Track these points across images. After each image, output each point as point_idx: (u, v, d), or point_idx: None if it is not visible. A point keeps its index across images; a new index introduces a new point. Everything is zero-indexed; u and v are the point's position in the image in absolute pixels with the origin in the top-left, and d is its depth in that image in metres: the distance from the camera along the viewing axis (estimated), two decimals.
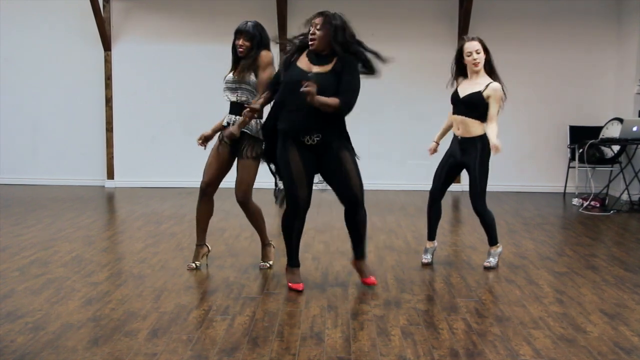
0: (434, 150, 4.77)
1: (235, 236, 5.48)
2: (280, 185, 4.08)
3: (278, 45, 4.40)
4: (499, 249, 4.61)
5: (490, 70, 4.42)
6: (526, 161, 8.60)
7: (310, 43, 3.79)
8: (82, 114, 8.67)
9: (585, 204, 7.24)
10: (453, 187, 7.94)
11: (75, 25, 8.53)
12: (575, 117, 8.50)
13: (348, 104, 3.72)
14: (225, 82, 4.31)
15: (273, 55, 4.29)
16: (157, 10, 8.52)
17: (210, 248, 4.58)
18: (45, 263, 4.54)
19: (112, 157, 8.65)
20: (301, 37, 3.91)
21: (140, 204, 7.24)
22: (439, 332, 3.27)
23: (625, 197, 7.61)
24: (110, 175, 8.66)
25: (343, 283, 4.14)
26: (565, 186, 8.44)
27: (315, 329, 3.31)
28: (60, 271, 4.33)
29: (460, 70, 4.51)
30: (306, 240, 4.90)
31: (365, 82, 3.85)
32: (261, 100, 4.03)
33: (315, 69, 3.79)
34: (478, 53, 4.35)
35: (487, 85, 4.35)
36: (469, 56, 4.37)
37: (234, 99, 4.28)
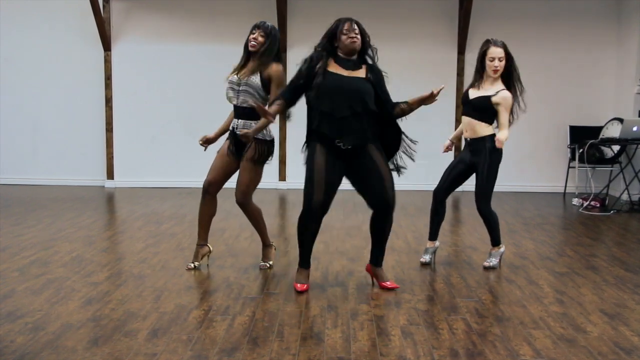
0: (447, 148, 4.76)
1: (236, 236, 5.48)
2: None
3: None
4: (501, 249, 4.60)
5: (508, 78, 4.39)
6: (526, 161, 8.60)
7: (353, 42, 3.78)
8: (82, 114, 8.67)
9: (586, 204, 7.24)
10: None
11: (75, 25, 8.53)
12: (575, 117, 8.50)
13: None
14: (229, 83, 4.30)
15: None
16: (157, 10, 8.52)
17: (211, 249, 4.56)
18: (46, 263, 4.54)
19: (112, 157, 8.65)
20: (324, 42, 3.87)
21: (140, 204, 7.24)
22: (439, 332, 3.27)
23: (625, 197, 7.61)
24: (110, 175, 8.66)
25: (343, 283, 4.14)
26: (566, 186, 8.44)
27: (315, 329, 3.31)
28: (60, 271, 4.33)
29: (480, 72, 4.47)
30: None
31: None
32: (275, 108, 3.86)
33: (351, 74, 3.80)
34: (500, 61, 4.34)
35: (497, 92, 4.35)
36: (491, 61, 4.35)
37: (236, 102, 4.27)
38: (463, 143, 4.66)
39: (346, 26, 3.81)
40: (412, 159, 3.96)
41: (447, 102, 8.23)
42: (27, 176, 8.70)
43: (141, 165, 8.66)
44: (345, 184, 3.95)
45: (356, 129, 3.76)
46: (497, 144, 4.30)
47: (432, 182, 4.95)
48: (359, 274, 4.34)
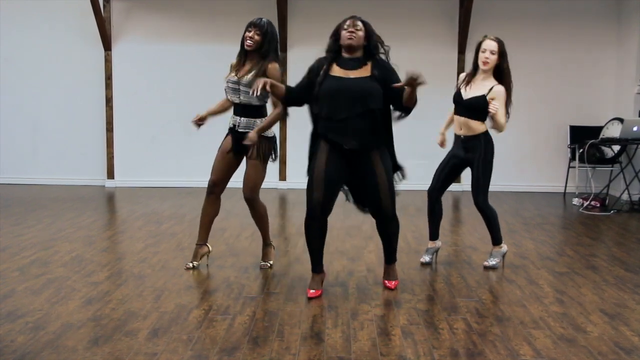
0: (443, 142, 4.76)
1: (236, 236, 5.47)
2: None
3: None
4: (502, 248, 4.60)
5: (500, 77, 4.38)
6: (526, 161, 8.60)
7: (349, 38, 3.74)
8: (82, 114, 8.66)
9: (586, 204, 7.23)
10: (453, 187, 7.95)
11: (75, 25, 8.53)
12: (575, 117, 8.50)
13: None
14: (227, 82, 4.30)
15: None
16: (157, 10, 8.52)
17: (211, 249, 4.57)
18: (46, 263, 4.54)
19: (112, 157, 8.65)
20: (331, 42, 3.85)
21: (140, 204, 7.24)
22: (439, 332, 3.27)
23: (625, 197, 7.61)
24: (111, 175, 8.66)
25: (343, 283, 4.14)
26: (566, 186, 8.44)
27: (315, 328, 3.31)
28: (61, 271, 4.33)
29: (475, 65, 4.47)
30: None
31: None
32: (272, 117, 3.98)
33: (353, 74, 3.76)
34: (492, 54, 4.33)
35: (490, 89, 4.35)
36: (482, 52, 4.36)
37: (236, 100, 4.28)
38: (449, 137, 4.65)
39: (348, 22, 3.80)
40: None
41: (447, 102, 8.20)
42: (27, 176, 8.70)
43: (141, 165, 8.66)
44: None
45: (357, 130, 3.72)
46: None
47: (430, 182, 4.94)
48: (359, 274, 4.34)
